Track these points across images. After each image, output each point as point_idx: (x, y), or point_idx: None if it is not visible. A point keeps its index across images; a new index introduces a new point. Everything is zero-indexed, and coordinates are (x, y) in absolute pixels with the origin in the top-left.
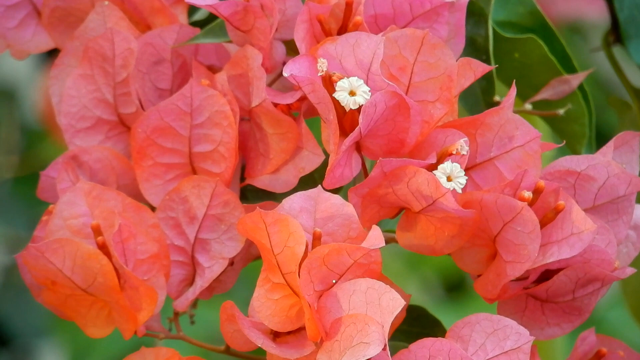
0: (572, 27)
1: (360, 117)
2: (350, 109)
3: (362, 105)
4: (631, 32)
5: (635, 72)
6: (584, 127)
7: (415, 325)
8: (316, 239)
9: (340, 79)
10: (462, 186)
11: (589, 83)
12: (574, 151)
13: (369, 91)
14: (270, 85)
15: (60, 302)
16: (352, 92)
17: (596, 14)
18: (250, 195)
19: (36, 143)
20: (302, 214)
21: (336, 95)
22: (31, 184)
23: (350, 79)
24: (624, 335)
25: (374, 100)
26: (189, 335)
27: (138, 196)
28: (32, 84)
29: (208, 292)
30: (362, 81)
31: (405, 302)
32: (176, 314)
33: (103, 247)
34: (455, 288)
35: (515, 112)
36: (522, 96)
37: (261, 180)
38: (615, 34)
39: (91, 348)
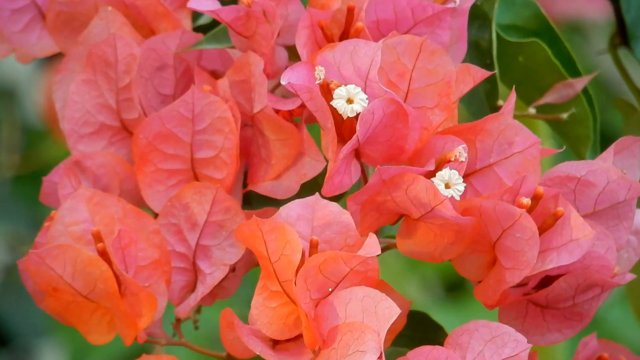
0: (573, 26)
1: (358, 124)
2: (348, 116)
3: (360, 112)
4: (638, 33)
5: None
6: (588, 130)
7: (418, 330)
8: (313, 247)
9: (337, 86)
10: (460, 193)
11: (592, 84)
12: (579, 154)
13: (367, 99)
14: (272, 90)
15: (62, 309)
16: (350, 100)
17: (597, 14)
18: (255, 201)
19: (37, 142)
20: (299, 222)
21: (334, 103)
22: (32, 183)
23: (348, 86)
24: (625, 335)
25: (371, 108)
26: (193, 338)
27: (141, 202)
28: (33, 83)
29: (210, 298)
30: (359, 89)
31: (400, 311)
32: (178, 320)
33: (103, 254)
34: (455, 288)
35: (519, 116)
36: (526, 100)
37: (263, 187)
38: (621, 35)
39: (91, 348)
